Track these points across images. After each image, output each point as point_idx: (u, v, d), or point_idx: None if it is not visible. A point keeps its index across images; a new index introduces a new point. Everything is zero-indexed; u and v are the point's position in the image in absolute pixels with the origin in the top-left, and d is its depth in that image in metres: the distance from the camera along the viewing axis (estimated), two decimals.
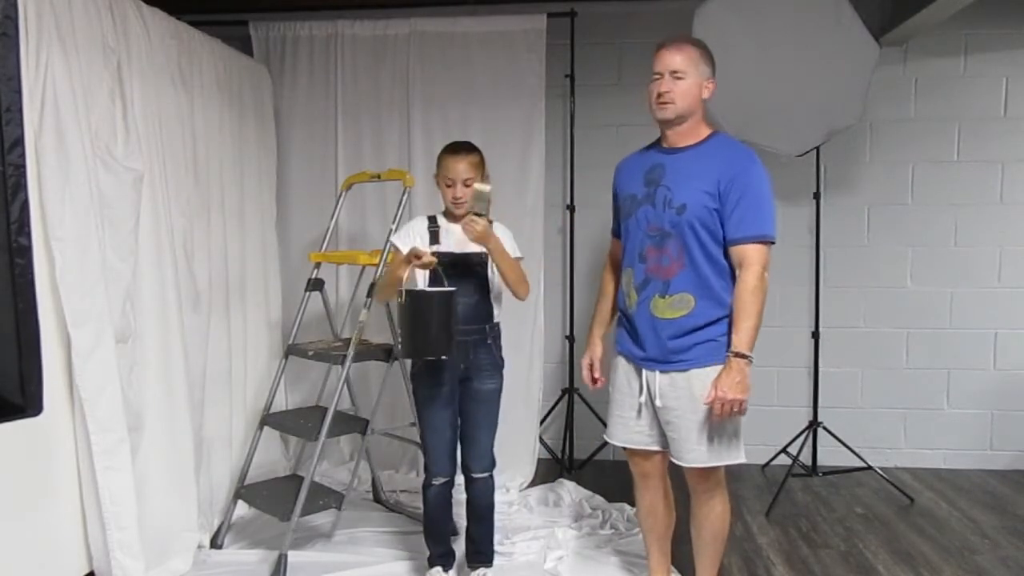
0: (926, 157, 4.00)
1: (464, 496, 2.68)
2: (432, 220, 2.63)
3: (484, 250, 2.53)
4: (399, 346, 2.64)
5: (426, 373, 2.59)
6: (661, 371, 2.31)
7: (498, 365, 2.62)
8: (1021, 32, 3.92)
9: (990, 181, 3.98)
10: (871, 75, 3.44)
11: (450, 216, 2.62)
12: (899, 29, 3.64)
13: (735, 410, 2.18)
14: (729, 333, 2.25)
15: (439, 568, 2.69)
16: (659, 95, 2.26)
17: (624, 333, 2.44)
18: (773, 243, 2.26)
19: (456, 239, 2.57)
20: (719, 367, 2.23)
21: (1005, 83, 3.95)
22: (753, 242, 2.22)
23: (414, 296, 2.42)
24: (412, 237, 2.59)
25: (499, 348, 2.64)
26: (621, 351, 2.45)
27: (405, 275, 2.43)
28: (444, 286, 2.43)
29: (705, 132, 2.34)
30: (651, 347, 2.32)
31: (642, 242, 2.32)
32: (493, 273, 2.59)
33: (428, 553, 2.72)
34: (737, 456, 2.32)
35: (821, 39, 3.38)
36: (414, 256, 2.42)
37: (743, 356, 2.18)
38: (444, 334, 2.38)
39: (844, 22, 3.37)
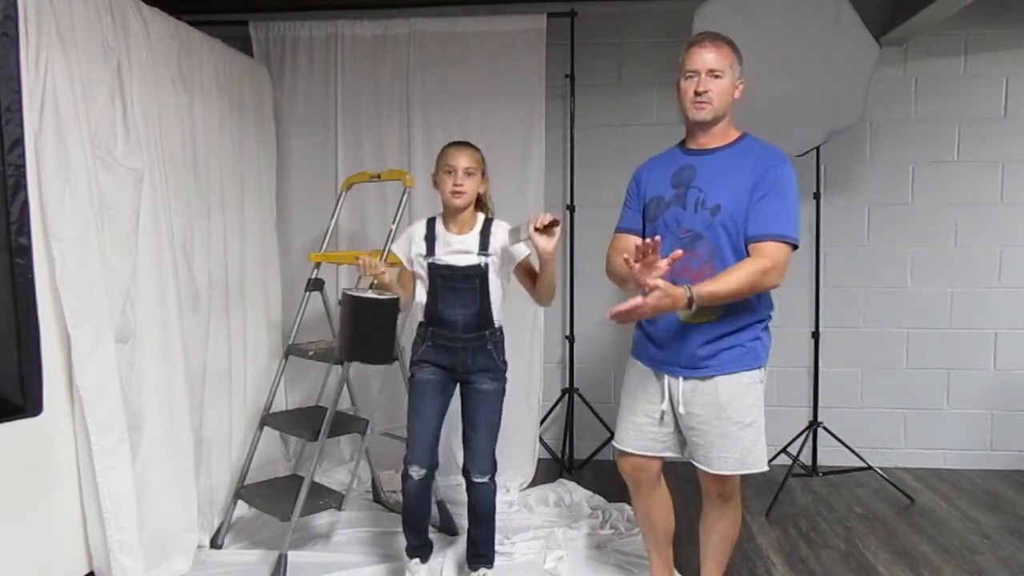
0: (926, 157, 4.00)
1: (466, 497, 2.66)
2: (431, 227, 2.59)
3: (479, 261, 2.50)
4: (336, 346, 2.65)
5: (425, 360, 2.57)
6: (684, 377, 2.24)
7: (499, 369, 2.59)
8: (1021, 32, 3.92)
9: (990, 181, 3.98)
10: (871, 75, 3.44)
11: (448, 222, 2.56)
12: (899, 29, 3.65)
13: (639, 309, 1.99)
14: (757, 338, 2.20)
15: (417, 560, 2.70)
16: (697, 94, 2.17)
17: (643, 337, 2.36)
18: (796, 247, 2.15)
19: (452, 249, 2.52)
20: (746, 373, 2.20)
21: (1005, 83, 3.95)
22: (772, 240, 2.12)
23: (353, 300, 2.41)
24: (407, 246, 2.60)
25: (501, 352, 2.60)
26: (638, 355, 2.38)
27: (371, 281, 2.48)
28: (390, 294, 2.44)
29: (735, 134, 2.28)
30: (676, 352, 2.24)
31: (671, 245, 2.20)
32: (492, 280, 2.54)
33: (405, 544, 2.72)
34: (761, 464, 2.27)
35: (821, 39, 3.38)
36: (370, 268, 2.42)
37: (691, 299, 2.01)
38: (381, 342, 2.36)
39: (844, 22, 3.37)
